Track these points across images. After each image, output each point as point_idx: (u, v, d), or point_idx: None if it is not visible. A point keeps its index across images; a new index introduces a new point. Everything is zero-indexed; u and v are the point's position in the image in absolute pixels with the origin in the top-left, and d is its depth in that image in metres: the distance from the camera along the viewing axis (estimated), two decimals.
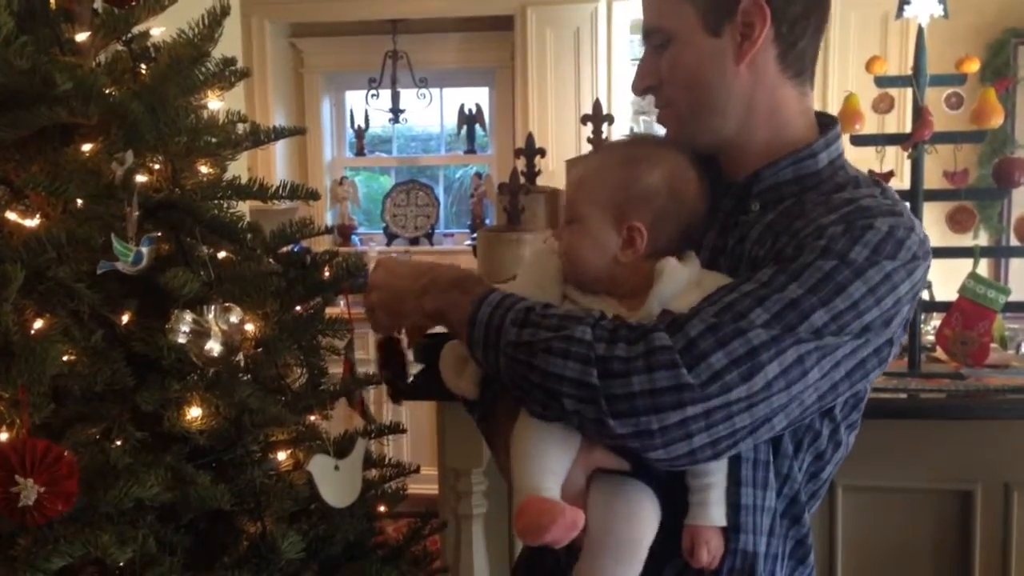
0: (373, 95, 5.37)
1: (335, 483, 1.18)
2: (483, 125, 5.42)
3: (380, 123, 5.53)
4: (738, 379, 0.96)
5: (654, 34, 1.15)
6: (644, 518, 1.05)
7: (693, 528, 1.06)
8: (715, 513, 1.05)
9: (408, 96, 5.36)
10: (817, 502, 1.18)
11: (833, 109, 4.23)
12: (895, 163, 2.81)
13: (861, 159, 2.63)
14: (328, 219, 5.38)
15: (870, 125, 2.57)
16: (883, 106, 2.57)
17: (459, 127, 5.44)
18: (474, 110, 5.39)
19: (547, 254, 1.20)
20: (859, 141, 2.49)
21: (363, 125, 5.53)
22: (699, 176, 1.14)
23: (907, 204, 1.10)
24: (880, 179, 1.15)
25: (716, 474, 1.05)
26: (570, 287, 1.15)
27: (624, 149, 1.19)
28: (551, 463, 1.04)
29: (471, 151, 5.46)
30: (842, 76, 4.40)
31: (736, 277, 1.07)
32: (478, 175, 5.46)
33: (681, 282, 1.08)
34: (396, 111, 5.36)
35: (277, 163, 5.07)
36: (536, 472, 1.03)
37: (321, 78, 5.50)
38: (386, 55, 5.28)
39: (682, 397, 0.95)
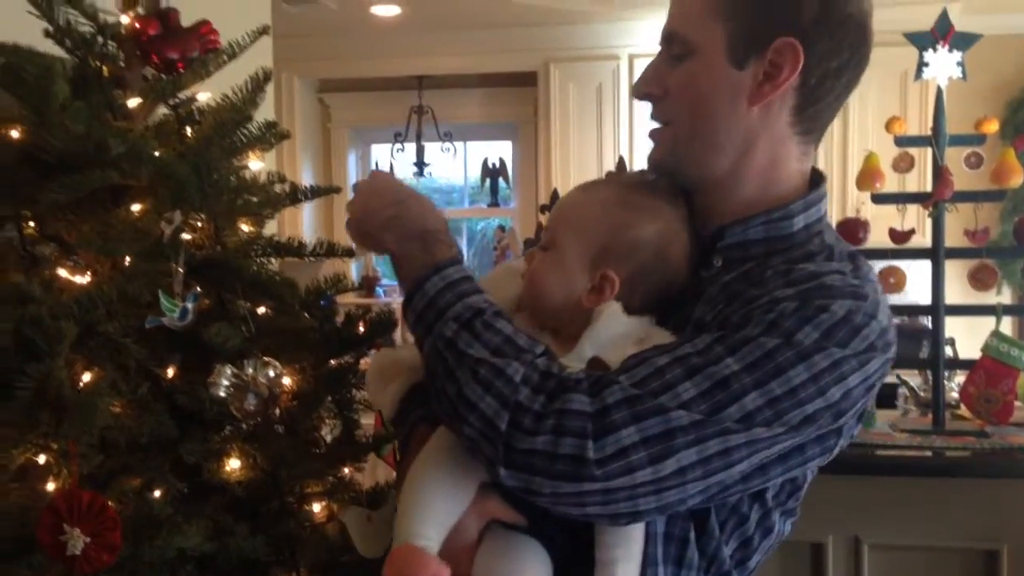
0: (398, 148, 5.47)
1: (368, 534, 1.20)
2: (506, 178, 5.50)
3: (405, 176, 5.62)
4: (645, 460, 0.89)
5: (675, 42, 1.05)
6: None
7: None
8: None
9: (432, 149, 5.46)
10: None
11: (853, 167, 4.28)
12: (916, 221, 2.84)
13: (882, 217, 2.67)
14: (354, 271, 5.45)
15: (891, 183, 2.61)
16: (903, 165, 2.61)
17: (483, 180, 5.52)
18: (497, 164, 5.48)
19: (510, 275, 1.13)
20: (880, 199, 2.53)
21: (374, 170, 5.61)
22: (691, 240, 1.06)
23: (878, 288, 1.00)
24: (857, 253, 1.05)
25: (625, 547, 0.97)
26: (520, 317, 1.07)
27: (625, 191, 1.09)
28: (437, 510, 0.97)
29: (494, 204, 5.54)
30: (862, 134, 4.46)
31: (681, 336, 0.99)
32: (501, 228, 5.52)
33: (619, 330, 1.00)
34: (421, 164, 5.46)
35: (304, 215, 5.16)
36: (418, 517, 0.96)
37: (348, 132, 5.61)
38: (411, 110, 5.39)
39: (580, 471, 0.88)
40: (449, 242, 1.04)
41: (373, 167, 5.69)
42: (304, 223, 5.14)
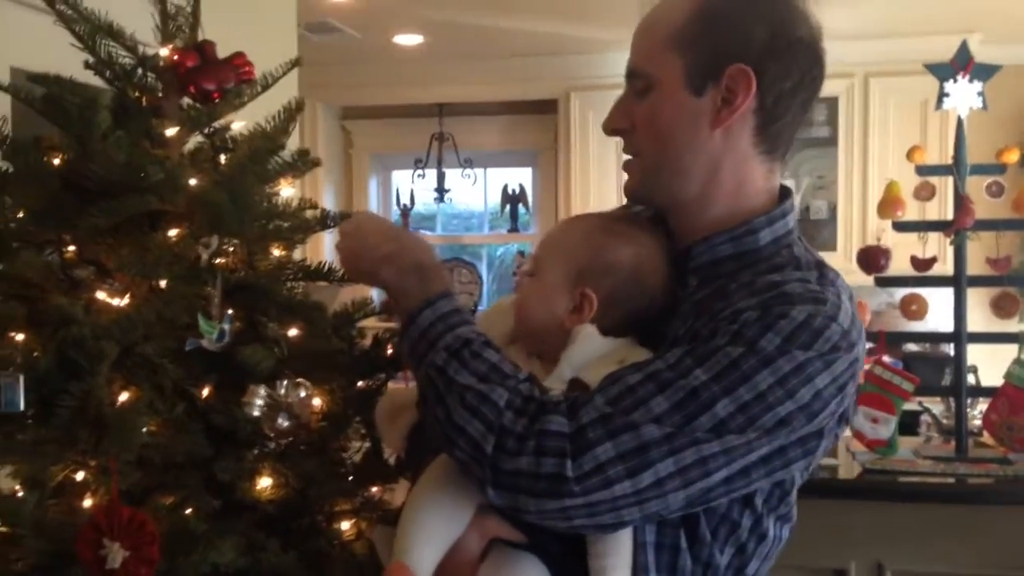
0: (419, 175, 5.53)
1: None
2: (526, 204, 5.55)
3: (425, 201, 5.68)
4: (623, 474, 0.94)
5: (637, 77, 1.11)
6: None
7: None
8: None
9: (453, 176, 5.52)
10: None
11: (874, 195, 4.29)
12: (938, 249, 2.85)
13: (903, 244, 2.68)
14: (375, 295, 5.49)
15: (912, 211, 2.63)
16: (924, 193, 2.62)
17: (503, 206, 5.57)
18: (517, 190, 5.53)
19: (503, 311, 1.18)
20: (901, 227, 2.54)
21: (408, 203, 5.68)
22: (668, 268, 1.11)
23: (844, 291, 1.04)
24: (824, 262, 1.10)
25: (615, 556, 1.01)
26: (513, 349, 1.12)
27: (605, 220, 1.17)
28: (431, 533, 1.02)
29: (514, 230, 5.58)
30: (882, 162, 4.47)
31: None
32: (521, 253, 5.55)
33: (595, 350, 1.05)
34: (441, 190, 5.52)
35: (326, 239, 5.21)
36: (413, 539, 1.02)
37: (369, 158, 5.68)
38: (432, 136, 5.46)
39: (560, 489, 0.94)
40: (441, 276, 1.10)
41: (394, 194, 5.75)
42: (325, 247, 5.19)
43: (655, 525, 1.02)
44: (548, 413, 0.96)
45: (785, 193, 1.15)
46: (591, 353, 1.06)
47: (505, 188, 5.53)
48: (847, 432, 2.38)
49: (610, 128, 1.16)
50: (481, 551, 1.05)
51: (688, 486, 0.96)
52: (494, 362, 1.01)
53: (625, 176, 1.17)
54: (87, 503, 1.21)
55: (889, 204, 2.56)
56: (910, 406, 2.55)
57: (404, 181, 5.71)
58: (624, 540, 1.01)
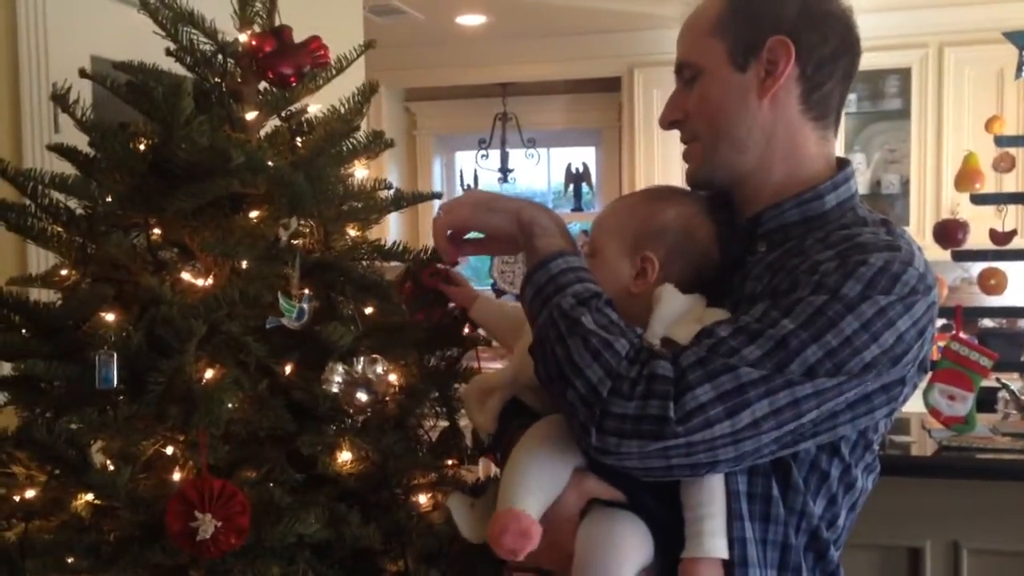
0: (483, 155, 5.54)
1: (471, 519, 1.25)
2: (589, 183, 5.52)
3: (488, 182, 5.69)
4: (723, 414, 0.98)
5: (685, 69, 1.19)
6: (626, 550, 1.04)
7: (687, 562, 1.04)
8: (710, 544, 1.03)
9: (517, 156, 5.52)
10: (841, 549, 1.14)
11: (950, 166, 4.18)
12: (1016, 221, 2.77)
13: (980, 218, 2.62)
14: None
15: (990, 183, 2.56)
16: (1003, 165, 2.55)
17: (566, 185, 5.55)
18: (581, 169, 5.50)
19: None
20: (980, 200, 2.48)
21: (472, 184, 5.69)
22: (716, 223, 1.18)
23: (913, 241, 1.09)
24: (888, 219, 1.14)
25: (709, 505, 1.04)
26: None
27: (645, 192, 1.27)
28: (535, 485, 1.06)
29: (578, 209, 5.56)
30: (957, 134, 4.35)
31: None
32: (584, 232, 5.52)
33: (680, 307, 1.11)
34: (505, 170, 5.52)
35: (390, 219, 5.26)
36: (521, 488, 1.06)
37: (433, 139, 5.71)
38: (495, 117, 5.46)
39: (663, 430, 0.97)
40: (574, 242, 1.17)
41: (458, 173, 5.77)
42: (390, 228, 5.24)
43: (746, 475, 1.06)
44: (656, 359, 1.01)
45: (844, 162, 1.20)
46: (677, 310, 1.11)
47: (568, 167, 5.52)
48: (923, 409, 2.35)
49: (666, 122, 1.23)
50: (580, 511, 1.08)
51: (781, 427, 1.00)
52: (614, 319, 1.05)
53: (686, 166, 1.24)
54: (175, 477, 1.25)
55: (967, 176, 2.50)
56: (986, 382, 2.49)
57: (468, 162, 5.73)
58: (717, 490, 1.05)
